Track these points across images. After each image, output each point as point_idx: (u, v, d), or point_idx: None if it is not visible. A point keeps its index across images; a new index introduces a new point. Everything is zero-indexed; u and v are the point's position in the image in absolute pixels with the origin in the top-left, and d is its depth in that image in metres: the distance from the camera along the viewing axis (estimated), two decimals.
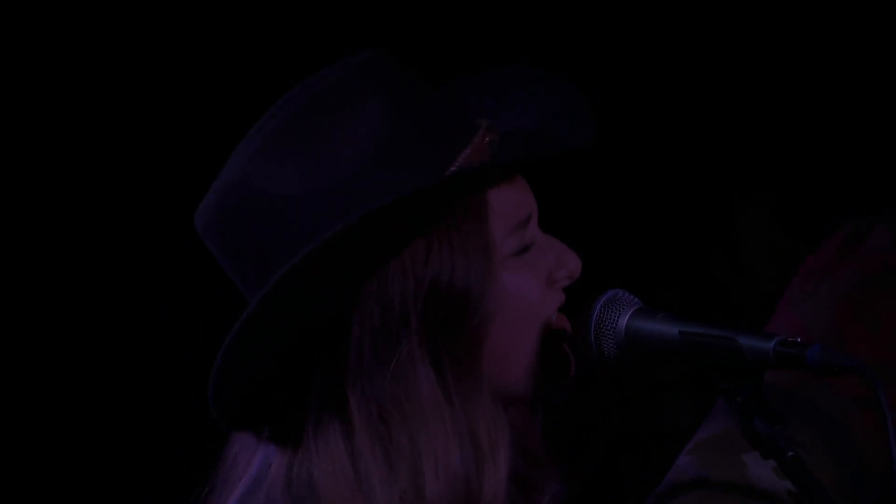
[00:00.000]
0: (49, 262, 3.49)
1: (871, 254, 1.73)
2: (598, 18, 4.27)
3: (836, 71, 4.07)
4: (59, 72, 3.72)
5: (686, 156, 4.08)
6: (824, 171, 4.21)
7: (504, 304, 1.13)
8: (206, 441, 1.22)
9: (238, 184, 1.11)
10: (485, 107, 1.23)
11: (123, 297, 3.45)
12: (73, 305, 3.47)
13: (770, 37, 4.16)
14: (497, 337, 1.13)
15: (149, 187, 3.57)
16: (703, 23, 4.53)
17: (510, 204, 1.15)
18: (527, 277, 1.16)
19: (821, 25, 4.07)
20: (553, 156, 1.18)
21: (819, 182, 4.31)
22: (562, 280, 1.20)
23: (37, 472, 3.39)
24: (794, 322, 1.75)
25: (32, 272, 3.46)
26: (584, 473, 1.36)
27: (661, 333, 1.18)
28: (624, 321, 1.19)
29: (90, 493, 3.41)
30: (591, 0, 4.13)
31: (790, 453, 1.11)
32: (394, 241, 1.08)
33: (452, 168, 1.11)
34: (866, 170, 4.36)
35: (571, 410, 1.39)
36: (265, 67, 3.70)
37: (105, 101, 3.70)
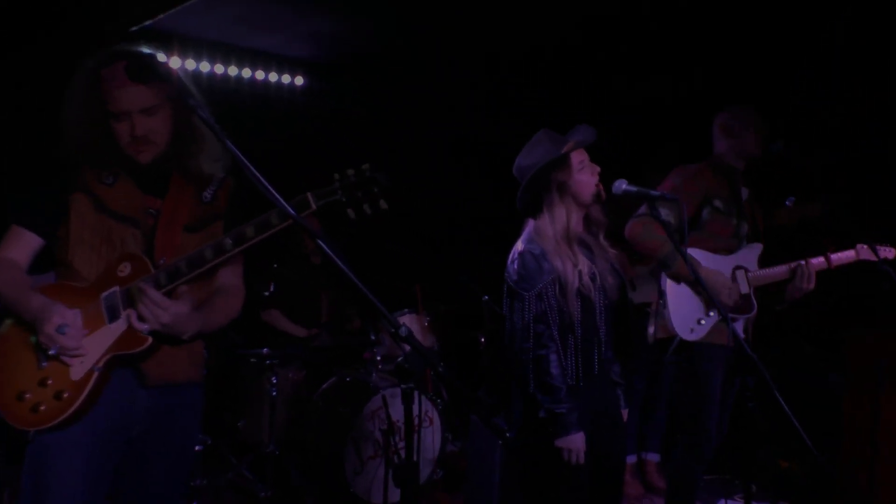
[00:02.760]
0: None
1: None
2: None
3: None
4: None
5: None
6: None
7: (579, 180, 3.52)
8: None
9: (518, 162, 3.57)
10: (573, 135, 3.58)
11: None
12: None
13: None
14: (579, 187, 3.53)
15: None
16: None
17: (578, 157, 3.54)
18: (585, 173, 3.55)
19: None
20: (589, 144, 3.56)
21: None
22: (594, 173, 3.53)
23: None
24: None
25: None
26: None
27: (632, 189, 3.39)
28: (623, 185, 3.41)
29: None
30: None
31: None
32: (548, 172, 3.51)
33: (562, 152, 3.53)
34: None
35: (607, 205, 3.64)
36: None
37: None
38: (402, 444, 5.05)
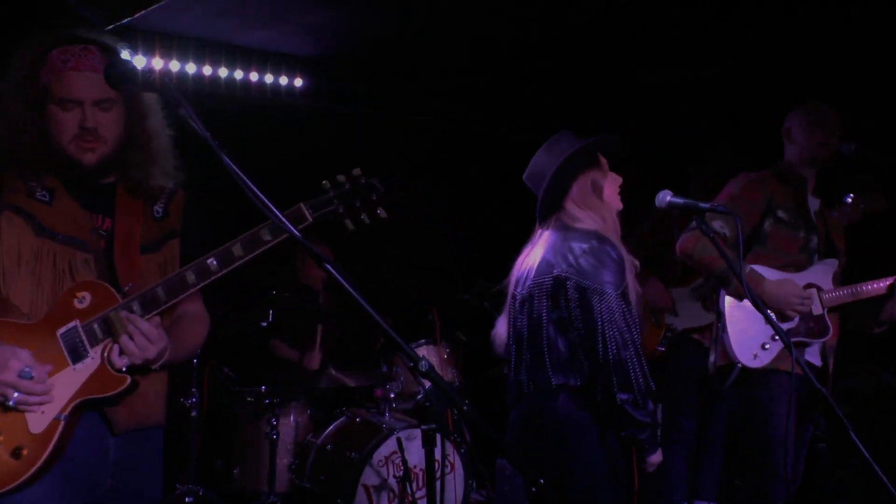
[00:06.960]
0: None
1: None
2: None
3: None
4: None
5: None
6: None
7: (608, 186, 3.34)
8: None
9: (534, 161, 3.39)
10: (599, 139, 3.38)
11: None
12: None
13: None
14: (608, 191, 3.34)
15: None
16: None
17: (605, 164, 3.37)
18: (610, 181, 3.36)
19: None
20: (620, 157, 3.41)
21: None
22: (617, 183, 3.37)
23: None
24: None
25: None
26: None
27: (678, 201, 3.14)
28: (668, 196, 3.14)
29: None
30: None
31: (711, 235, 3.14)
32: (579, 168, 3.32)
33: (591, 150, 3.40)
34: None
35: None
36: None
37: None
38: (420, 493, 5.11)
